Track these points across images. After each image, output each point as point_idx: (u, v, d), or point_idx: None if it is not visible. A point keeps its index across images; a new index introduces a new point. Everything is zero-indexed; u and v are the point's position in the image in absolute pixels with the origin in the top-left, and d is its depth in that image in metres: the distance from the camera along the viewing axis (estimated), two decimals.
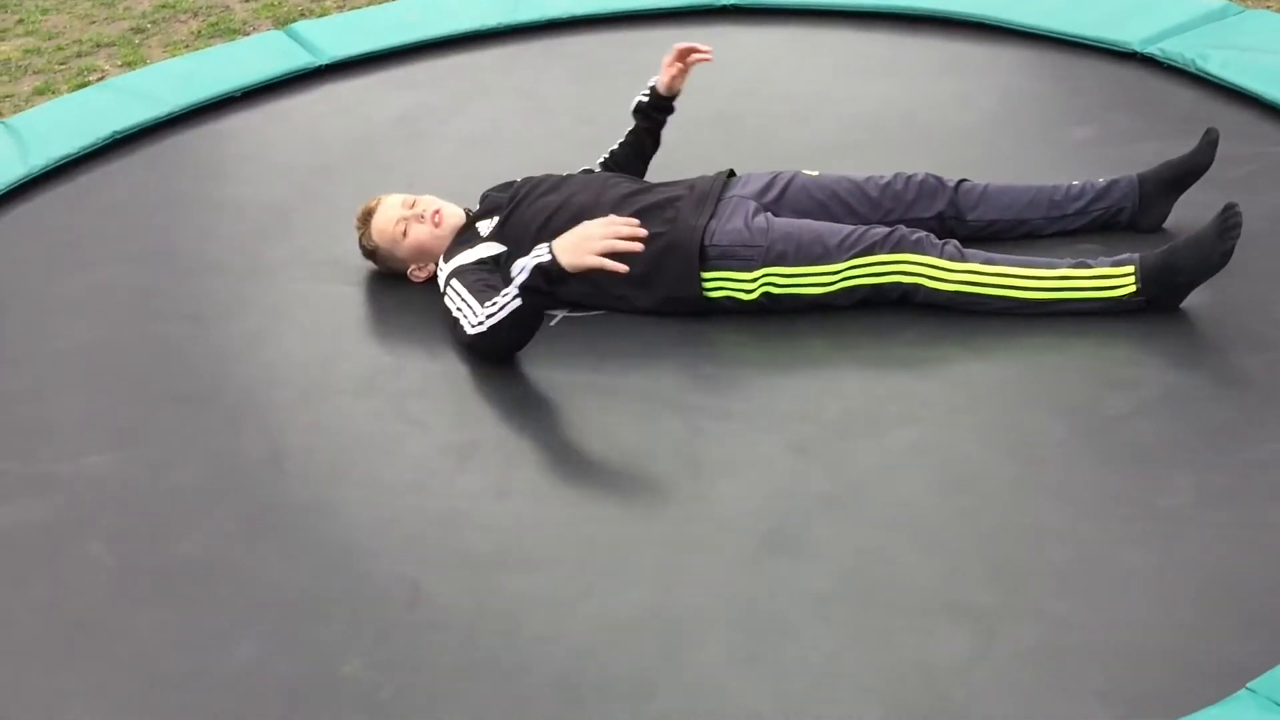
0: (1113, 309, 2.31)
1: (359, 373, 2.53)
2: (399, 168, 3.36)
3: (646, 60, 3.94)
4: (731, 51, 3.85)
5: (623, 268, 2.24)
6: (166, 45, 5.40)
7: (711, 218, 2.51)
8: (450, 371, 2.48)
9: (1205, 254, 2.26)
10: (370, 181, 3.27)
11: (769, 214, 2.53)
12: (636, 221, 2.29)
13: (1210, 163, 2.59)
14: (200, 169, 3.51)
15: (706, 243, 2.47)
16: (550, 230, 2.54)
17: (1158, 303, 2.31)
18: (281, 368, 2.58)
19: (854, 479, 2.07)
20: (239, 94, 3.86)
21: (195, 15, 5.69)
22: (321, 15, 5.43)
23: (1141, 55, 3.37)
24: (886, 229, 2.42)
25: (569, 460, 2.21)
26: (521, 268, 2.31)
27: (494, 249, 2.63)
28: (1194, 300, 2.36)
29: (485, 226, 2.70)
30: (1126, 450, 2.04)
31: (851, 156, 3.14)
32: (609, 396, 2.36)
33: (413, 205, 2.74)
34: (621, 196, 2.59)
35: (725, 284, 2.48)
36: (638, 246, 2.25)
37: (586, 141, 3.39)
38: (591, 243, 2.24)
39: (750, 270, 2.44)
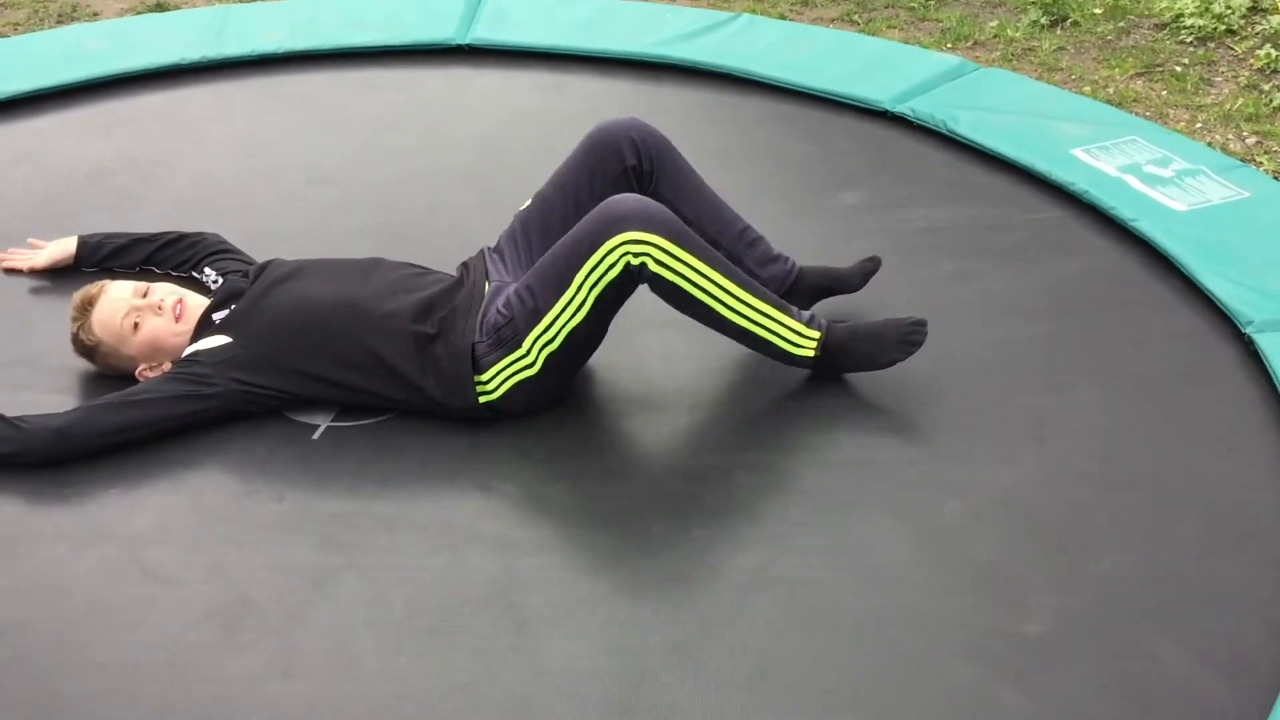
0: (782, 360, 2.24)
1: (80, 513, 2.07)
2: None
3: (381, 106, 3.61)
4: (473, 98, 3.58)
5: None
6: None
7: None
8: (198, 506, 2.07)
9: (877, 352, 2.25)
10: None
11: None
12: None
13: (859, 288, 2.53)
14: None
15: (475, 341, 2.20)
16: (312, 326, 2.19)
17: (822, 374, 2.29)
18: None
19: (698, 621, 1.86)
20: None
21: None
22: None
23: (892, 114, 3.37)
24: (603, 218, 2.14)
25: (363, 621, 1.87)
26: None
27: (217, 341, 2.25)
28: (998, 387, 2.33)
29: (220, 315, 2.31)
30: (975, 568, 1.93)
31: None
32: (396, 531, 2.03)
33: (145, 294, 2.31)
34: (389, 286, 2.27)
35: (508, 370, 2.20)
36: None
37: (324, 205, 3.02)
38: None
39: (521, 345, 2.18)
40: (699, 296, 2.13)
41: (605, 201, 2.15)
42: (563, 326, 2.16)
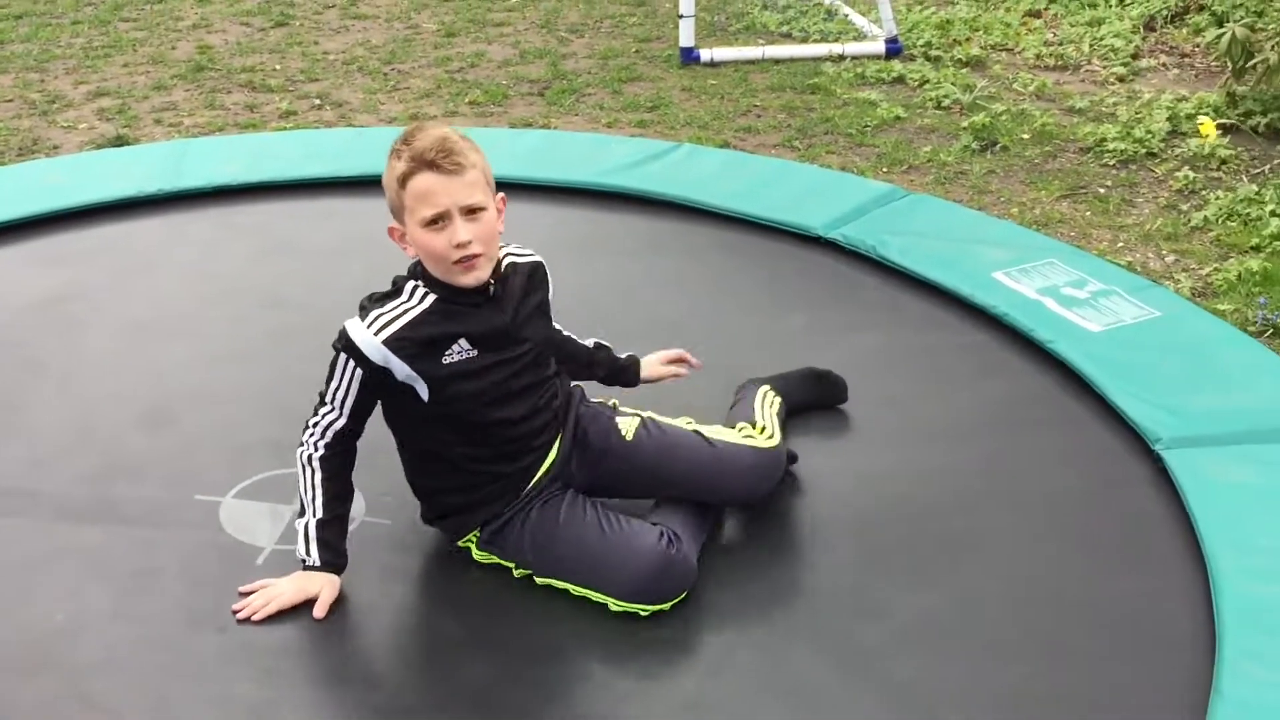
0: None
1: (23, 640, 2.10)
2: (50, 361, 2.94)
3: (333, 232, 3.73)
4: None
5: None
6: None
7: None
8: (146, 634, 2.11)
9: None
10: (13, 379, 2.84)
11: None
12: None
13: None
14: None
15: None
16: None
17: None
18: None
19: None
20: None
21: None
22: None
23: (826, 240, 3.52)
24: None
25: None
26: (301, 523, 2.18)
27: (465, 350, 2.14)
28: (918, 510, 2.42)
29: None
30: (891, 688, 2.00)
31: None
32: (332, 668, 2.08)
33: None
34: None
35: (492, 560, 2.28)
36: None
37: (276, 330, 3.10)
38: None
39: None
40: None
41: (617, 555, 2.13)
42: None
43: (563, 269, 3.47)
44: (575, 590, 2.17)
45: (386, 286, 3.39)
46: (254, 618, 2.11)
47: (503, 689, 2.01)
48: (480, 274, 2.11)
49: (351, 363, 2.12)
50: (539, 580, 2.20)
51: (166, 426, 2.69)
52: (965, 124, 5.03)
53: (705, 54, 5.88)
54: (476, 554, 2.26)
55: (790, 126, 5.13)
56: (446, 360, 2.12)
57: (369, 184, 3.85)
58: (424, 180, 2.04)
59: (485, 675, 2.03)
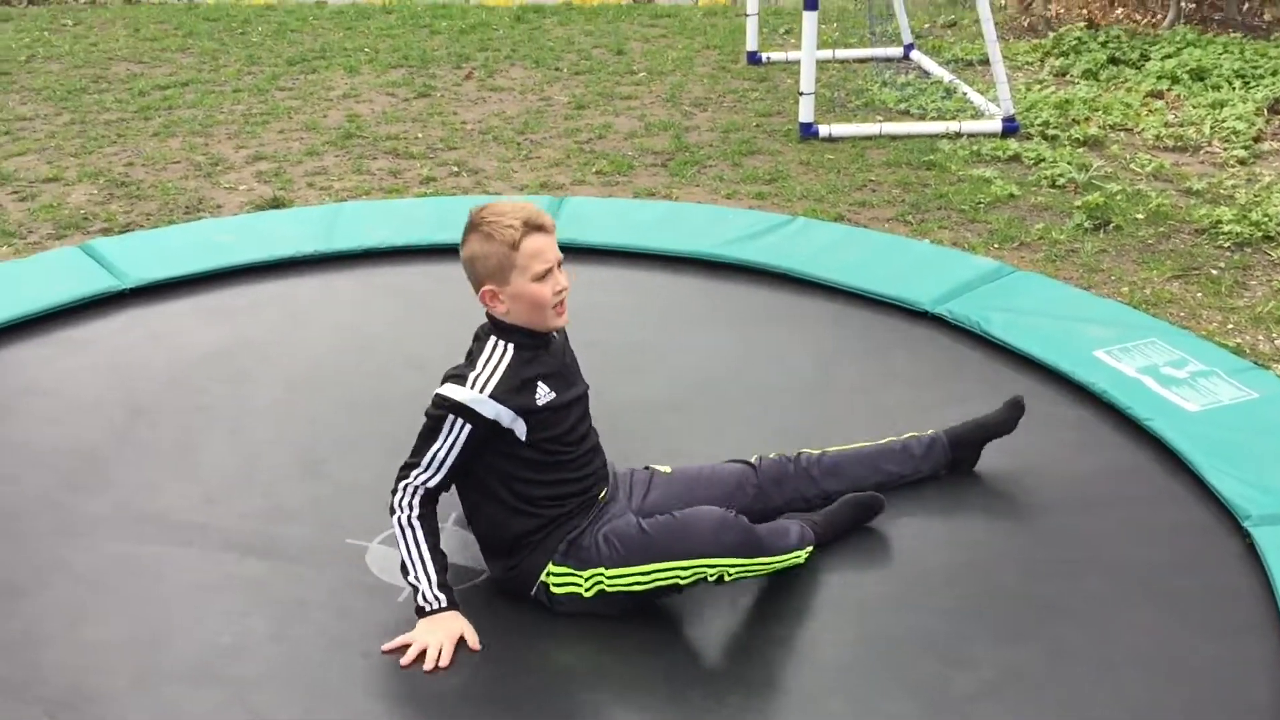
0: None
1: (194, 655, 2.38)
2: (219, 408, 3.25)
3: (465, 296, 4.00)
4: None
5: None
6: None
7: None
8: (299, 655, 2.36)
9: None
10: (193, 424, 3.16)
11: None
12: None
13: (1012, 428, 2.88)
14: None
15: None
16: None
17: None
18: (103, 649, 2.39)
19: None
20: (32, 319, 3.66)
21: None
22: (107, 220, 5.23)
23: (932, 315, 3.68)
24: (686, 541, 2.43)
25: None
26: (414, 577, 2.40)
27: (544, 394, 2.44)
28: (1014, 573, 2.56)
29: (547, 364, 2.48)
30: None
31: (681, 414, 3.25)
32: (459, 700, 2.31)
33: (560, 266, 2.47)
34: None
35: (564, 581, 2.47)
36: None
37: (415, 388, 3.35)
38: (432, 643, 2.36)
39: (584, 571, 2.46)
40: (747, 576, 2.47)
41: (693, 518, 2.42)
42: (628, 584, 2.44)
43: (677, 336, 3.75)
44: (646, 581, 2.40)
45: None
46: (424, 669, 2.33)
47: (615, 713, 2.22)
48: (566, 315, 2.49)
49: (460, 421, 2.39)
50: (609, 586, 2.42)
51: (320, 473, 2.97)
52: (1079, 203, 5.13)
53: (824, 129, 6.09)
54: (552, 582, 2.46)
55: (904, 201, 5.29)
56: (539, 401, 2.43)
57: None
58: (537, 241, 2.42)
59: (593, 703, 2.25)
